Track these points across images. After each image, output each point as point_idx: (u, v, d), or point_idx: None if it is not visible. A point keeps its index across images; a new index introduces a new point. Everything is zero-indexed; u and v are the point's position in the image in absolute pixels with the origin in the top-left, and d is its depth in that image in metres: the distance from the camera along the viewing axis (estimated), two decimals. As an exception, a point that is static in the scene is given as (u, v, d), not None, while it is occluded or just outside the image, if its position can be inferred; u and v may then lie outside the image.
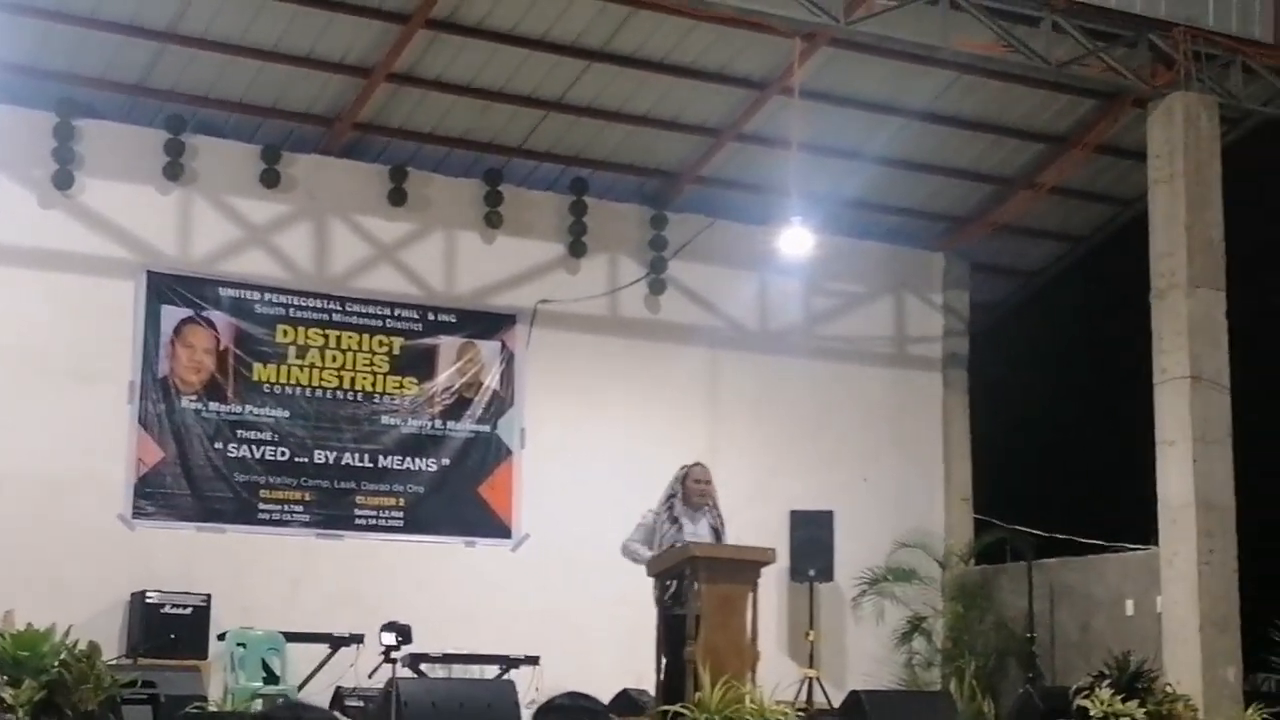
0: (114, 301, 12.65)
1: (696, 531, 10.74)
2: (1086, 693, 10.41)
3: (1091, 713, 10.17)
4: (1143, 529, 13.03)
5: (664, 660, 10.27)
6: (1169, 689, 10.96)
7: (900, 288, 16.04)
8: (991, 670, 14.09)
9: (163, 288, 12.85)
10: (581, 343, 14.31)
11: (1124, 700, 10.26)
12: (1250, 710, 10.86)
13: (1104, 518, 14.07)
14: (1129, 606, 13.77)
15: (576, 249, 14.41)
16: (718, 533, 10.77)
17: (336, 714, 2.72)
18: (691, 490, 10.86)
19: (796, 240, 13.03)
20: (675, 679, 10.04)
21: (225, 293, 13.10)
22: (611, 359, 14.39)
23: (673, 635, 10.22)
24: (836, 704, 11.53)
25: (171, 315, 12.87)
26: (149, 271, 12.79)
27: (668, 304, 14.81)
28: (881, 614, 14.48)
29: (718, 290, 15.02)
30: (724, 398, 14.82)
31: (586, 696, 4.49)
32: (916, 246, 16.09)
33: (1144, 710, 10.30)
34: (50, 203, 12.49)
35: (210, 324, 13.02)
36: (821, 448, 14.99)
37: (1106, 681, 10.52)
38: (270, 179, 13.25)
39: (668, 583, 10.31)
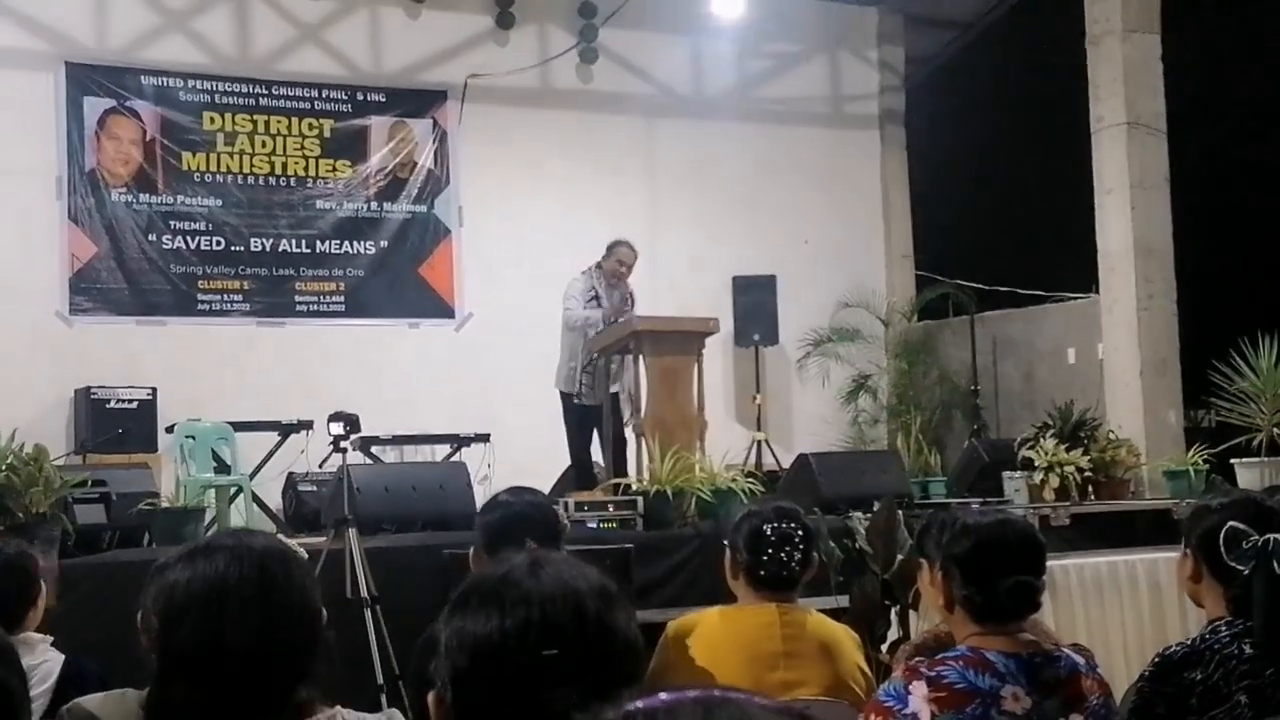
0: (33, 95, 12.31)
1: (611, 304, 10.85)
2: (1031, 443, 10.54)
3: (1036, 463, 10.31)
4: (1083, 278, 13.10)
5: (611, 434, 10.38)
6: (1111, 435, 11.14)
7: (834, 45, 15.78)
8: (937, 424, 14.25)
9: (83, 78, 12.49)
10: (515, 117, 14.05)
11: (1068, 449, 10.40)
12: (1191, 451, 11.01)
13: (1045, 268, 14.13)
14: (1071, 355, 13.92)
15: (504, 20, 14.07)
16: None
17: (281, 537, 2.64)
18: (613, 268, 10.94)
19: (728, 2, 12.78)
20: (623, 452, 10.15)
21: (147, 81, 12.77)
22: (546, 132, 14.15)
23: (617, 409, 10.32)
24: (785, 465, 11.63)
25: (94, 106, 12.54)
26: (67, 62, 12.43)
27: (600, 73, 14.53)
28: (827, 375, 14.56)
29: (650, 57, 14.74)
30: (661, 166, 14.64)
31: (531, 490, 4.46)
32: (849, 1, 15.80)
33: (1088, 458, 10.45)
34: (-42, -4, 12.11)
35: (135, 114, 12.71)
36: (761, 212, 14.86)
37: (1050, 431, 10.66)
38: (184, -40, 12.86)
39: (611, 358, 10.35)
